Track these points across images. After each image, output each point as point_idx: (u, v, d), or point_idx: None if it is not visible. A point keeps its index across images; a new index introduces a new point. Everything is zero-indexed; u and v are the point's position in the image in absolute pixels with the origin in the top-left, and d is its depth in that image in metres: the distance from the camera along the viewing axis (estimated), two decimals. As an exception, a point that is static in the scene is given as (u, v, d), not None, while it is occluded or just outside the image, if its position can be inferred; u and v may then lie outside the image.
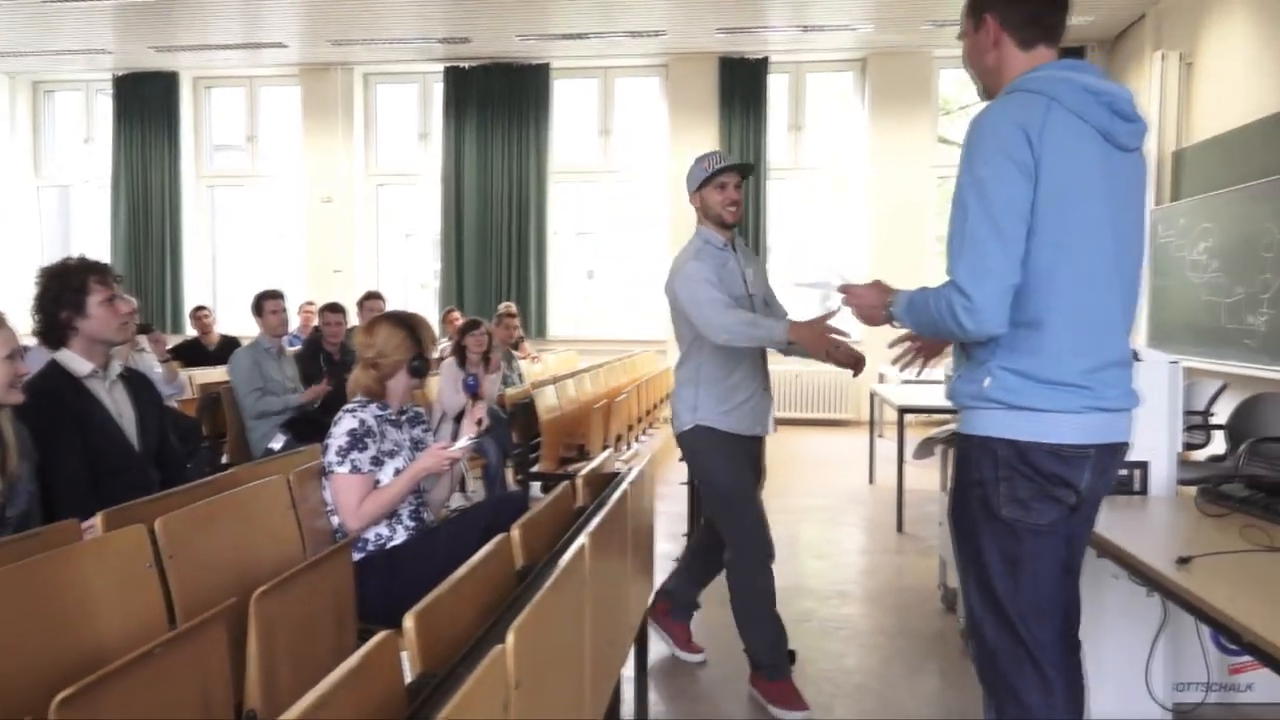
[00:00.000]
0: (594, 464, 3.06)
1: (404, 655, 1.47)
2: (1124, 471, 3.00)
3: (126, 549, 2.03)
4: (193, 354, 7.78)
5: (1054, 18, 2.02)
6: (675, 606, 3.75)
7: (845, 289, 2.24)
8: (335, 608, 2.34)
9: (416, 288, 12.53)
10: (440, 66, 11.29)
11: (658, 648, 3.74)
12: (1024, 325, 1.91)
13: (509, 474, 6.05)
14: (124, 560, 2.02)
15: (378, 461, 2.86)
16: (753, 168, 3.38)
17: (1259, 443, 4.53)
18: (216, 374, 6.70)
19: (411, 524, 2.93)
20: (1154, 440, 3.00)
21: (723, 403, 3.30)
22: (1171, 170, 8.25)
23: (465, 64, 11.23)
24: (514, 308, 7.93)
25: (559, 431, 5.90)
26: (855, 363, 3.07)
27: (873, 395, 7.47)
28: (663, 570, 4.85)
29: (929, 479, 5.60)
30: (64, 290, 2.90)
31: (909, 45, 10.33)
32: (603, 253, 11.95)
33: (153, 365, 5.85)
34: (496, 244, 11.29)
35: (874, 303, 2.16)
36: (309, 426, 5.19)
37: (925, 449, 4.63)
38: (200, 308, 8.26)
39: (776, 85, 11.03)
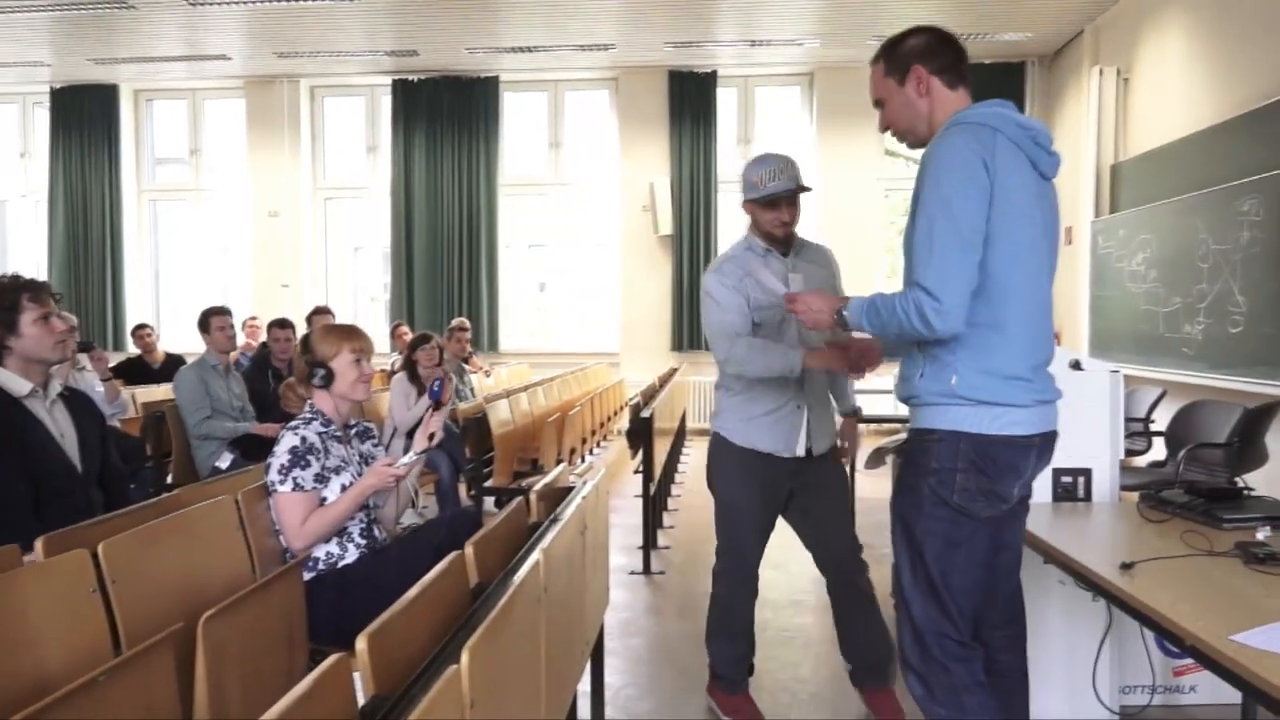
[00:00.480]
0: (548, 478, 3.05)
1: (356, 677, 1.45)
2: (1068, 479, 3.07)
3: (69, 574, 1.98)
4: (136, 372, 7.62)
5: (964, 63, 2.31)
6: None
7: (790, 297, 2.43)
8: (286, 629, 2.30)
9: (366, 301, 12.41)
10: (388, 79, 11.22)
11: (613, 663, 3.74)
12: (985, 326, 2.12)
13: (462, 489, 6.01)
14: (66, 586, 1.97)
15: (322, 478, 2.82)
16: (808, 189, 3.15)
17: (1197, 448, 4.65)
18: (161, 392, 6.58)
19: (363, 542, 2.89)
20: (1097, 448, 3.07)
21: (741, 413, 3.15)
22: (1110, 183, 8.45)
23: (413, 77, 11.17)
24: (465, 322, 7.89)
25: (512, 446, 5.87)
26: (872, 358, 2.91)
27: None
28: (618, 584, 4.85)
29: (880, 488, 5.66)
30: None
31: (855, 60, 10.46)
32: (554, 265, 11.94)
33: (94, 384, 5.72)
34: (447, 257, 11.23)
35: (823, 308, 2.34)
36: (257, 444, 5.11)
37: (876, 459, 4.68)
38: (142, 326, 8.08)
39: (725, 99, 11.13)
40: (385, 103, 11.41)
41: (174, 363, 7.33)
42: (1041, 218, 2.17)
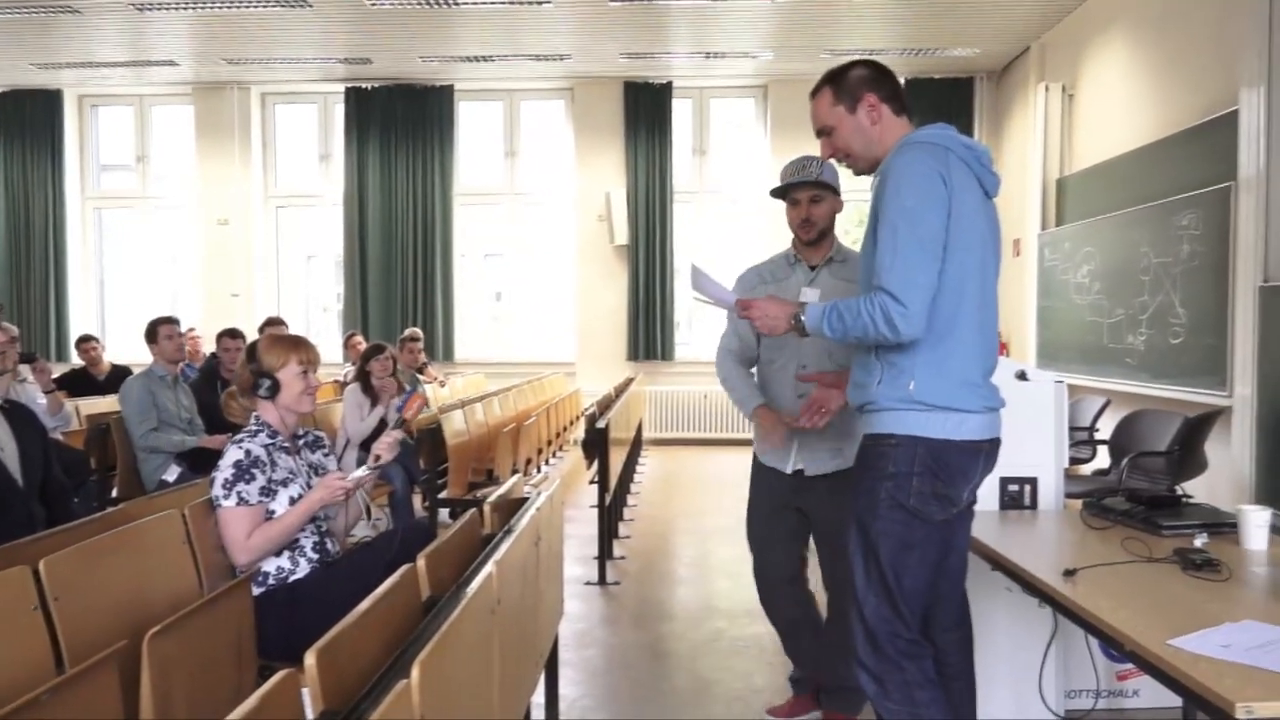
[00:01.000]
0: (502, 489, 3.05)
1: (305, 693, 1.44)
2: (1015, 487, 3.13)
3: (9, 591, 1.94)
4: (80, 384, 7.46)
5: (903, 93, 2.42)
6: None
7: (744, 303, 2.41)
8: (234, 646, 2.28)
9: (319, 311, 12.28)
10: (341, 87, 11.13)
11: (568, 674, 3.73)
12: (942, 333, 2.20)
13: (417, 501, 5.97)
14: (6, 603, 1.93)
15: (268, 491, 2.78)
16: (822, 184, 3.09)
17: (1139, 457, 4.77)
18: (106, 404, 6.45)
19: (315, 556, 2.86)
20: (1042, 456, 3.14)
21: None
22: (1056, 196, 8.63)
23: (367, 84, 11.09)
24: (418, 332, 7.82)
25: (467, 456, 5.84)
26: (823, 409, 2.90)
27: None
28: (573, 595, 4.85)
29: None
30: None
31: (807, 73, 10.51)
32: (511, 275, 11.91)
33: (35, 396, 5.60)
34: (401, 266, 11.15)
35: (779, 314, 2.35)
36: (206, 457, 5.02)
37: None
38: (86, 338, 7.90)
39: (681, 110, 11.19)
40: (338, 110, 11.31)
41: (120, 374, 7.19)
42: (988, 233, 2.29)
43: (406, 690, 1.37)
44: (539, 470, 7.23)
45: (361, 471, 2.90)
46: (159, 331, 5.34)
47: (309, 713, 1.43)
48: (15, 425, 2.96)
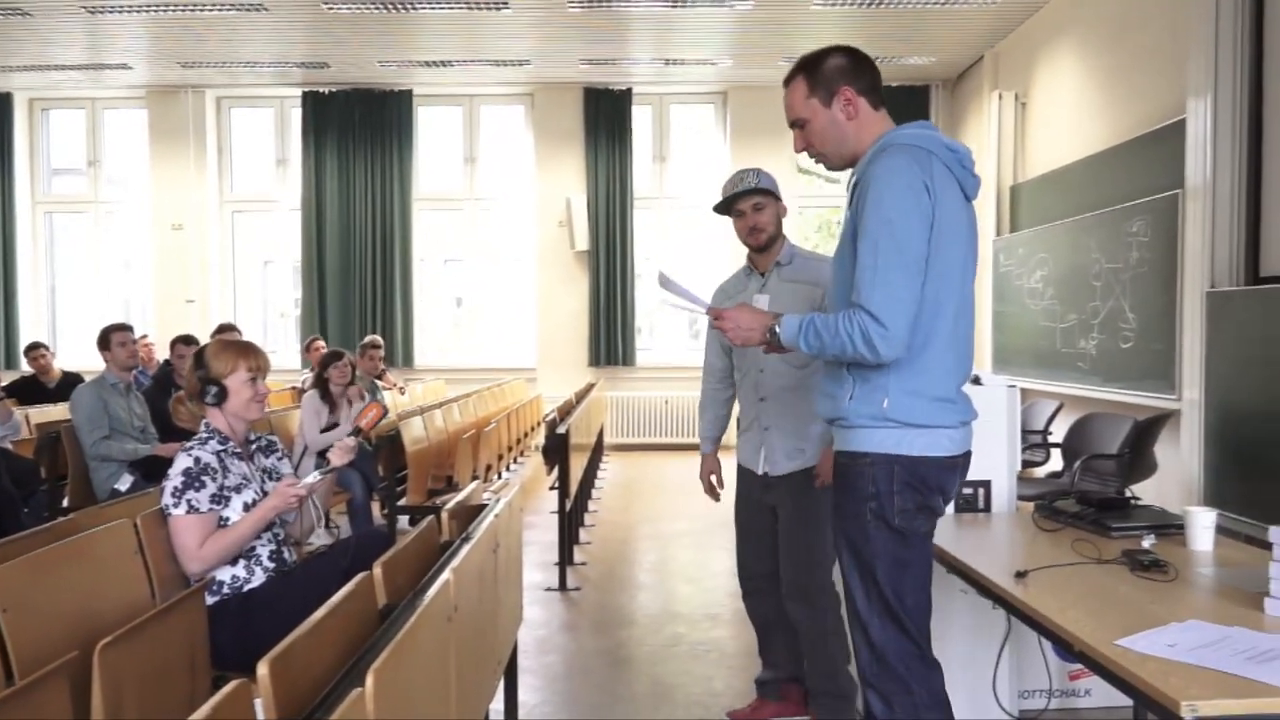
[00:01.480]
0: (460, 496, 3.04)
1: (258, 703, 1.43)
2: (969, 490, 3.17)
3: (-46, 604, 1.91)
4: (30, 392, 7.32)
5: (880, 83, 2.31)
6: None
7: (715, 314, 2.30)
8: (187, 656, 2.25)
9: (276, 317, 12.14)
10: (298, 91, 11.03)
11: (528, 680, 3.73)
12: (918, 349, 2.11)
13: (375, 508, 5.92)
14: (-49, 616, 1.89)
15: (219, 499, 2.74)
16: (762, 190, 3.12)
17: (1090, 459, 4.85)
18: (57, 412, 6.33)
19: (271, 565, 2.82)
20: (995, 460, 3.18)
21: (738, 427, 3.43)
22: (1010, 203, 8.77)
23: (324, 89, 11.00)
24: (379, 340, 7.74)
25: (426, 463, 5.81)
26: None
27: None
28: (533, 601, 4.84)
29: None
30: None
31: (767, 80, 10.66)
32: (471, 280, 11.85)
33: (-16, 404, 5.49)
34: (360, 272, 11.06)
35: (752, 325, 2.24)
36: (159, 465, 4.95)
37: None
38: (36, 345, 7.75)
39: (641, 116, 11.22)
40: (295, 115, 11.21)
41: (71, 381, 7.07)
42: (967, 240, 2.19)
43: (361, 699, 1.36)
44: (499, 476, 7.20)
45: (313, 477, 2.87)
46: (111, 338, 5.26)
47: (262, 723, 1.42)
48: (-39, 434, 2.89)
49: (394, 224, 11.06)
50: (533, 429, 8.96)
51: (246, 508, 2.78)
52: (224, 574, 2.74)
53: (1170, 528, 2.72)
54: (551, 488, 6.04)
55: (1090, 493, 3.10)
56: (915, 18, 8.58)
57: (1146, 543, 2.54)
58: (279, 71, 10.48)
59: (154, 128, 11.17)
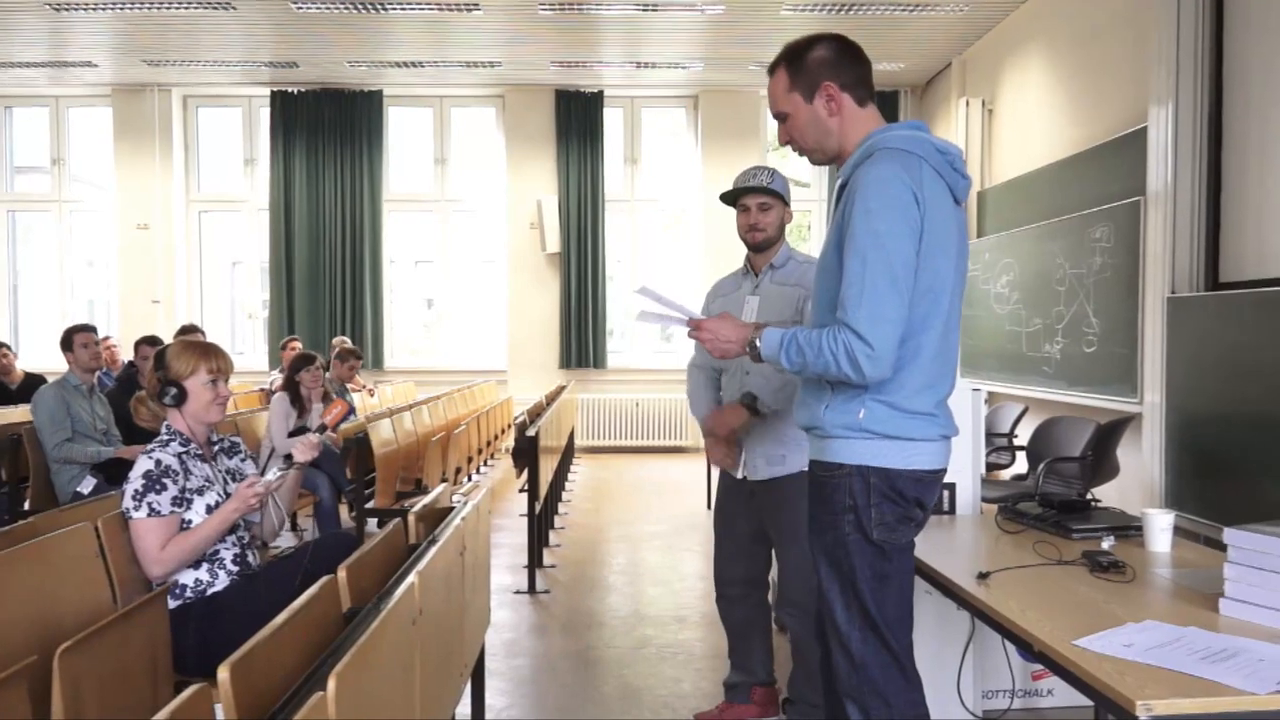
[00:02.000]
0: (428, 499, 3.03)
1: (218, 708, 1.42)
2: (933, 492, 3.19)
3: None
4: (-10, 392, 7.20)
5: (871, 76, 2.21)
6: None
7: (694, 323, 2.24)
8: (149, 661, 2.22)
9: (244, 318, 12.02)
10: (266, 90, 10.94)
11: (496, 684, 3.72)
12: (901, 363, 2.04)
13: (343, 511, 5.88)
14: (-94, 621, 1.86)
15: (181, 501, 2.72)
16: (771, 192, 3.13)
17: (1054, 462, 4.91)
18: (18, 414, 6.23)
19: (235, 569, 2.80)
20: (960, 463, 3.20)
21: None
22: (977, 208, 8.86)
23: (293, 88, 10.92)
24: (359, 350, 7.61)
25: (394, 466, 5.77)
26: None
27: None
28: (502, 604, 4.83)
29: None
30: None
31: (738, 84, 10.73)
32: (441, 282, 11.81)
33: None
34: (329, 273, 10.99)
35: (733, 337, 2.18)
36: (123, 468, 4.89)
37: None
38: (-4, 345, 7.64)
39: (612, 118, 11.23)
40: (263, 114, 11.12)
41: (33, 383, 6.96)
42: (955, 247, 2.10)
43: (323, 702, 1.36)
44: (469, 479, 7.18)
45: (273, 475, 2.84)
46: (75, 339, 5.20)
47: (223, 728, 1.41)
48: (-82, 436, 2.85)
49: (364, 225, 10.99)
50: (503, 431, 8.93)
51: (209, 510, 2.75)
52: (186, 577, 2.72)
53: (1129, 529, 2.77)
54: (521, 490, 6.03)
55: (1052, 495, 3.14)
56: (884, 24, 8.66)
57: (1106, 544, 2.58)
58: (247, 70, 10.39)
59: (119, 126, 11.03)
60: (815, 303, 2.23)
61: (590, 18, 8.61)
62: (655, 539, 6.52)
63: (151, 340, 5.88)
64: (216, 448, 2.95)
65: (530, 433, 5.30)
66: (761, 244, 3.18)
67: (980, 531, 3.00)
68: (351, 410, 7.15)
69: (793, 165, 10.26)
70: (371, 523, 5.63)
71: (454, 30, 9.00)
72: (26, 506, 4.97)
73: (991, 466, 5.75)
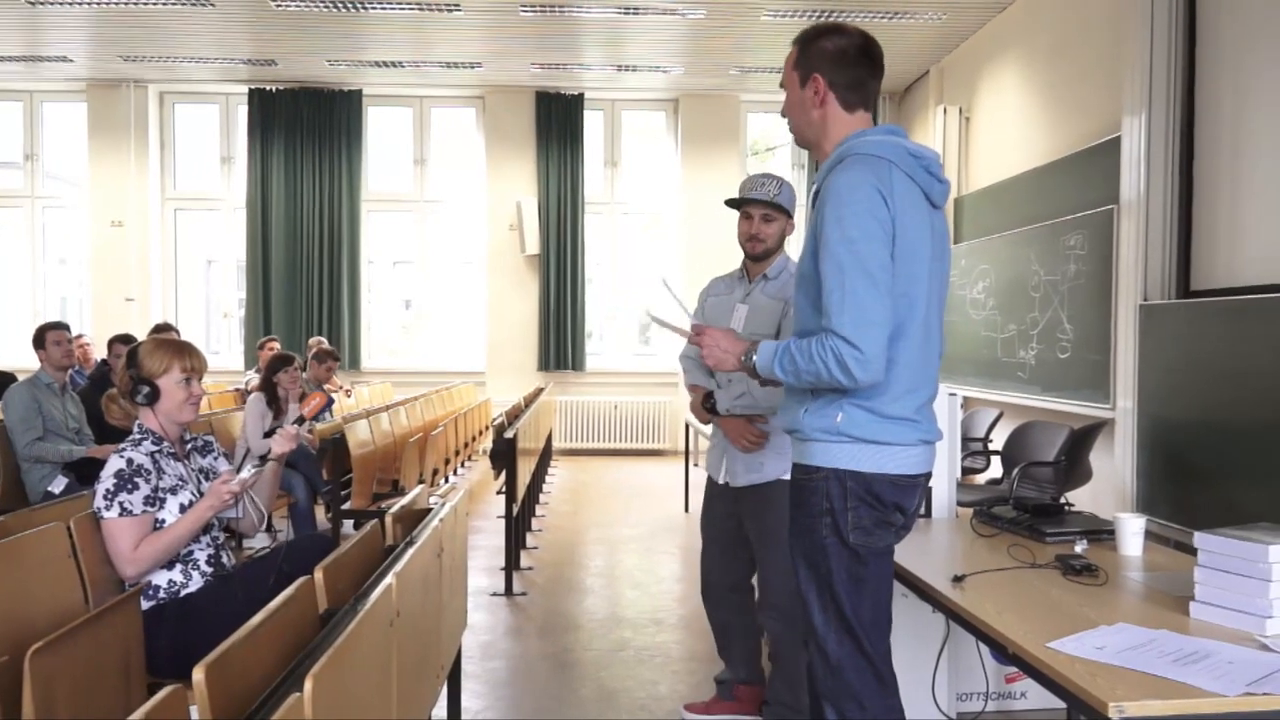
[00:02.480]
0: (405, 500, 3.02)
1: (193, 710, 1.41)
2: (910, 496, 3.21)
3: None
4: (-40, 390, 7.10)
5: (874, 84, 2.21)
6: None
7: (698, 330, 2.28)
8: (122, 662, 2.21)
9: (219, 317, 11.92)
10: (244, 88, 10.86)
11: (472, 686, 3.71)
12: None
13: (320, 512, 5.84)
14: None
15: (153, 500, 2.70)
16: (776, 205, 3.17)
17: (1029, 466, 4.96)
18: (-12, 411, 6.15)
19: (209, 570, 2.78)
20: (936, 467, 3.20)
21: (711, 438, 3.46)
22: (954, 215, 8.93)
23: (272, 87, 10.85)
24: (337, 353, 7.57)
25: (371, 467, 5.75)
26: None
27: (688, 425, 7.68)
28: (479, 606, 4.81)
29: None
30: None
31: (718, 88, 10.76)
32: (420, 283, 11.76)
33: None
34: (307, 272, 10.92)
35: (729, 350, 2.22)
36: (95, 467, 4.84)
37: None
38: (-32, 341, 7.54)
39: (592, 121, 11.23)
40: (241, 112, 11.03)
41: (4, 381, 6.86)
42: (930, 251, 2.11)
43: (299, 703, 1.35)
44: (446, 481, 7.16)
45: (247, 471, 2.83)
46: (47, 337, 5.15)
47: (198, 729, 1.41)
48: (-114, 434, 2.81)
49: (342, 225, 10.93)
50: (481, 433, 8.91)
51: (183, 509, 2.73)
52: (160, 578, 2.70)
53: (1102, 533, 2.80)
54: (499, 492, 6.02)
55: (1026, 499, 3.17)
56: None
57: (1079, 548, 2.60)
58: (225, 67, 10.31)
59: (94, 122, 10.92)
60: (796, 310, 2.25)
61: (571, 20, 8.61)
62: (633, 542, 6.52)
63: (125, 339, 5.83)
64: (190, 446, 2.93)
65: (508, 435, 5.29)
66: (760, 254, 3.23)
67: (955, 535, 3.03)
68: (330, 405, 7.11)
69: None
70: (347, 524, 5.60)
71: (434, 30, 8.98)
72: (-4, 506, 4.91)
73: (967, 470, 5.80)
